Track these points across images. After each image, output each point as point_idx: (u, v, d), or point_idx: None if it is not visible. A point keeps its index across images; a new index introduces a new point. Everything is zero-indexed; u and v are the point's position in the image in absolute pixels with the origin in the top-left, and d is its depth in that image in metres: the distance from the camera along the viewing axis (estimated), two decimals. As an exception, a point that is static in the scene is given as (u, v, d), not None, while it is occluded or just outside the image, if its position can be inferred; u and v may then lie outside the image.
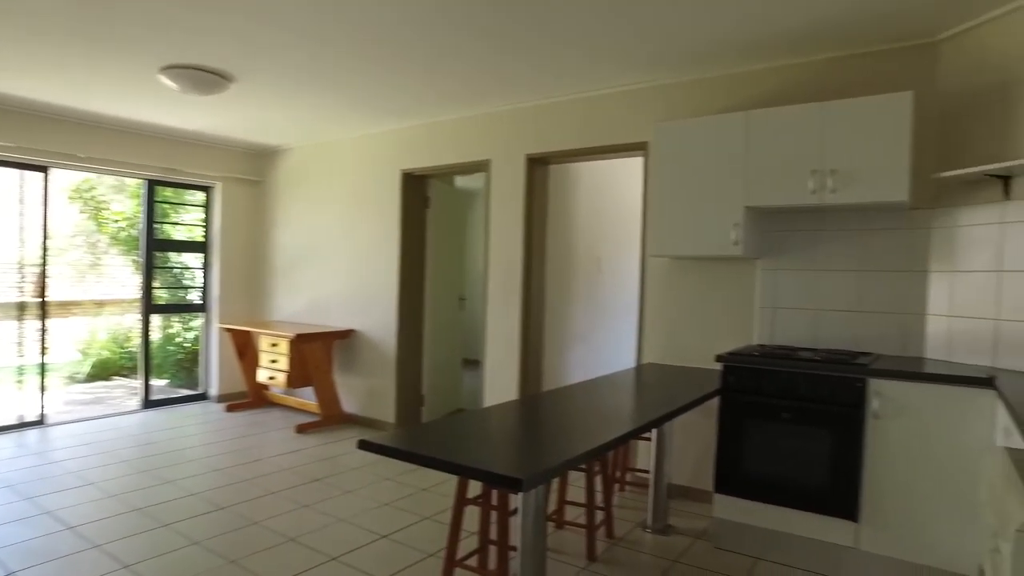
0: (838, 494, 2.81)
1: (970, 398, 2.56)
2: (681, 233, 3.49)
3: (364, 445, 1.93)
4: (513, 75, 3.90)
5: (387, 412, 5.33)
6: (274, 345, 5.28)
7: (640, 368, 3.64)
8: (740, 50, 3.38)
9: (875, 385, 2.75)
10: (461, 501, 2.55)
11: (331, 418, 5.41)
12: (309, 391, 5.62)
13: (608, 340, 5.95)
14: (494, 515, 2.56)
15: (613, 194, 5.94)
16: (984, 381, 2.52)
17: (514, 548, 2.50)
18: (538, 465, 1.74)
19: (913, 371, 2.68)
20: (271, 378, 5.35)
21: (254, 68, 3.83)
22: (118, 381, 7.54)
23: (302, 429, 5.16)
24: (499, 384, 4.63)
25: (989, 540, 1.73)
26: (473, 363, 9.57)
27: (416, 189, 5.39)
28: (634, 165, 6.27)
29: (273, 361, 5.29)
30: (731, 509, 3.07)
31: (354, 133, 5.55)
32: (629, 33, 3.18)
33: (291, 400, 5.91)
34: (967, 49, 2.99)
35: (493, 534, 2.58)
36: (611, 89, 4.09)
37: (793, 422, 2.92)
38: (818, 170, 3.09)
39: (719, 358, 3.11)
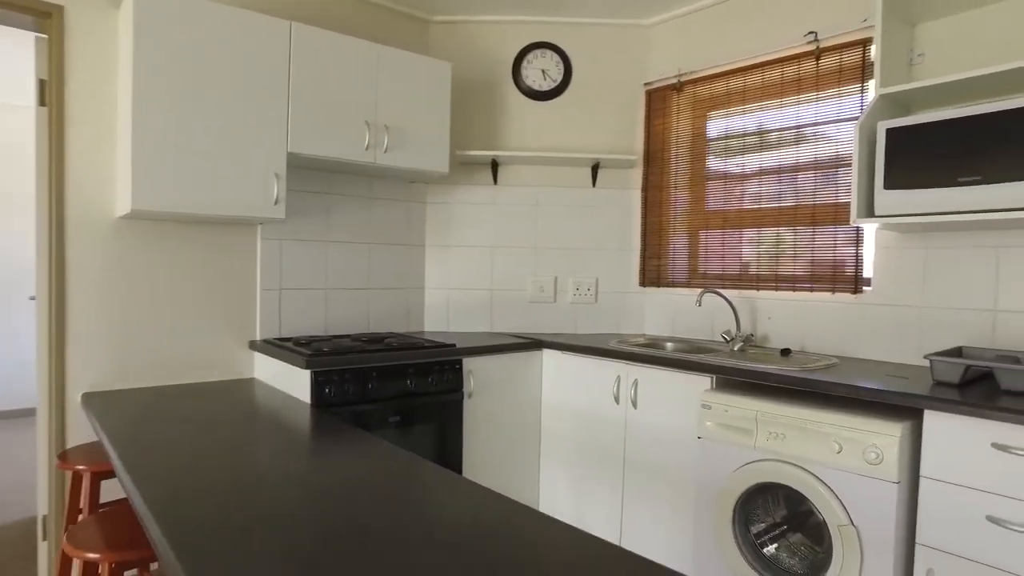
0: (449, 489, 2.55)
1: (528, 360, 2.84)
2: (189, 180, 2.20)
3: None
4: None
5: None
6: None
7: (91, 405, 2.06)
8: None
9: (468, 364, 2.63)
10: None
11: None
12: None
13: None
14: None
15: None
16: (537, 343, 2.86)
17: None
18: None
19: (497, 344, 2.72)
20: None
21: None
22: None
23: None
24: None
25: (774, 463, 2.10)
26: None
27: None
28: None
29: None
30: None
31: None
32: None
33: None
34: (457, 40, 3.18)
35: None
36: None
37: (402, 424, 2.42)
38: (373, 123, 2.61)
39: (309, 363, 2.20)
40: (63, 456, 2.09)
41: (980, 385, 1.89)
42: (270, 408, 2.04)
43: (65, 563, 1.90)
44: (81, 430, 2.29)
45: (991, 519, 1.64)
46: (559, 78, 3.14)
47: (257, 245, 2.67)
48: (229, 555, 0.95)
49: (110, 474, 2.05)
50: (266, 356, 2.53)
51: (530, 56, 3.13)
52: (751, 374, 2.10)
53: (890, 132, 2.02)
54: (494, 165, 3.17)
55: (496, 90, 3.17)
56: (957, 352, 2.09)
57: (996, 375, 1.82)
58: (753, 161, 2.76)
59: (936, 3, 2.12)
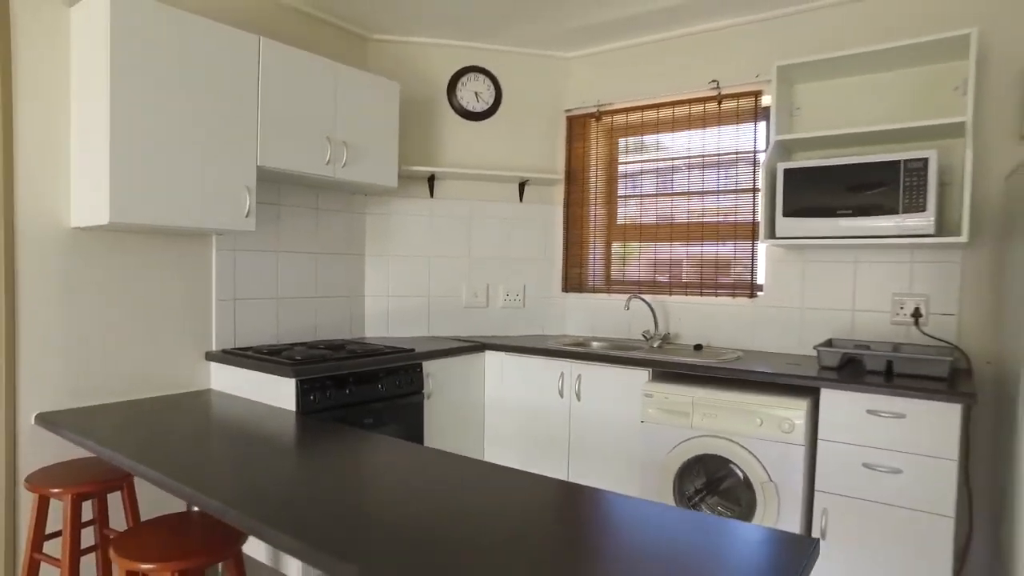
0: (416, 484, 2.73)
1: (474, 360, 3.09)
2: (165, 192, 2.18)
3: None
4: None
5: None
6: None
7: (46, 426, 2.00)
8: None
9: (427, 367, 2.82)
10: None
11: None
12: None
13: None
14: None
15: None
16: (480, 346, 3.11)
17: None
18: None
19: (451, 347, 2.94)
20: None
21: None
22: None
23: None
24: None
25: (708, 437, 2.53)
26: None
27: None
28: None
29: None
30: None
31: None
32: None
33: None
34: (394, 59, 3.32)
35: None
36: None
37: (374, 426, 2.57)
38: (333, 138, 2.72)
39: (297, 372, 2.28)
40: (29, 479, 2.00)
41: (851, 367, 2.49)
42: (258, 417, 2.10)
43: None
44: (35, 454, 2.16)
45: (866, 465, 2.21)
46: (491, 100, 3.41)
47: (212, 255, 2.64)
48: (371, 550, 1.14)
49: (89, 495, 2.00)
50: (229, 366, 2.53)
51: (464, 79, 3.37)
52: (691, 367, 2.54)
53: (787, 171, 2.56)
54: (431, 179, 3.37)
55: (432, 108, 3.37)
56: (829, 343, 2.70)
57: (863, 359, 2.42)
58: (662, 183, 3.25)
59: (807, 72, 2.71)
